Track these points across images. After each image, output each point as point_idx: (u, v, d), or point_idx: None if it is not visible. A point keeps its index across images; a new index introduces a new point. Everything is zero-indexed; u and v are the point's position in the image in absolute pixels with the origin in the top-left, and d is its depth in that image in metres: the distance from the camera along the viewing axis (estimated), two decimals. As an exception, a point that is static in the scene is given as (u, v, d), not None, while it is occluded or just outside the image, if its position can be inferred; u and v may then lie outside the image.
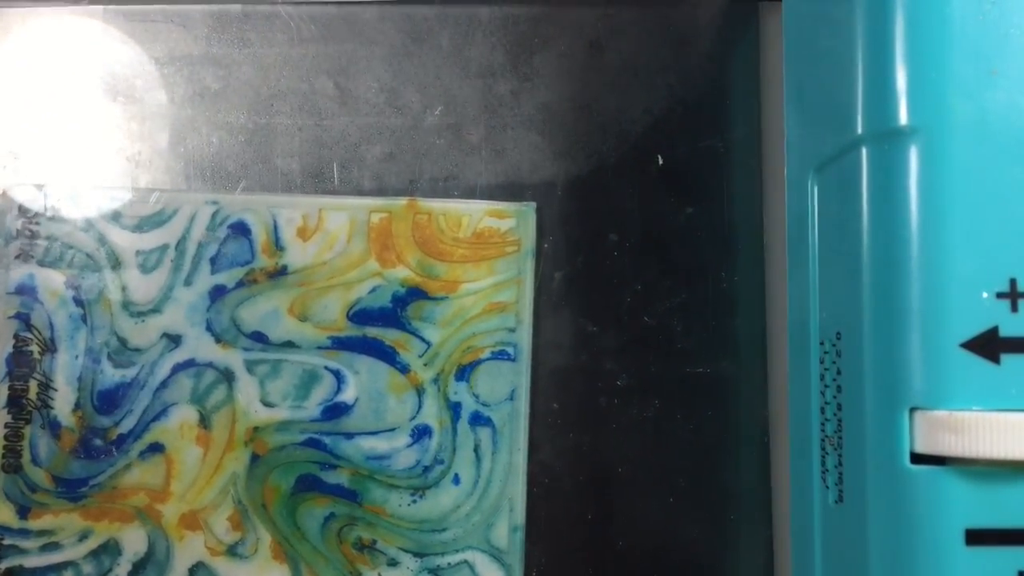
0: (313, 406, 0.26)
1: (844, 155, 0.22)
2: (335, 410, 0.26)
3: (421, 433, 0.26)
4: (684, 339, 0.27)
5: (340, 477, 0.26)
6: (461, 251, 0.27)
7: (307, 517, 0.26)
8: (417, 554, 0.26)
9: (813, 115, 0.24)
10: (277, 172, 0.27)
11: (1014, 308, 0.20)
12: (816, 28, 0.24)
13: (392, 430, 0.26)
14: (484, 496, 0.26)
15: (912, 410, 0.20)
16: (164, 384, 0.26)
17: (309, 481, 0.26)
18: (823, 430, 0.23)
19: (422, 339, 0.26)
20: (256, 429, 0.26)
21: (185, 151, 0.27)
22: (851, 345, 0.22)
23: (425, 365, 0.26)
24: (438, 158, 0.27)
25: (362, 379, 0.26)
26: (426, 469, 0.26)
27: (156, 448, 0.26)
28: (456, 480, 0.26)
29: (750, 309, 0.27)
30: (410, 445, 0.26)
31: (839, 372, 0.22)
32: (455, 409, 0.26)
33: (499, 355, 0.26)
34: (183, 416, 0.26)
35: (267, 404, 0.26)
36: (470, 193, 0.27)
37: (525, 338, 0.26)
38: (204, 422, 0.26)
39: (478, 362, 0.26)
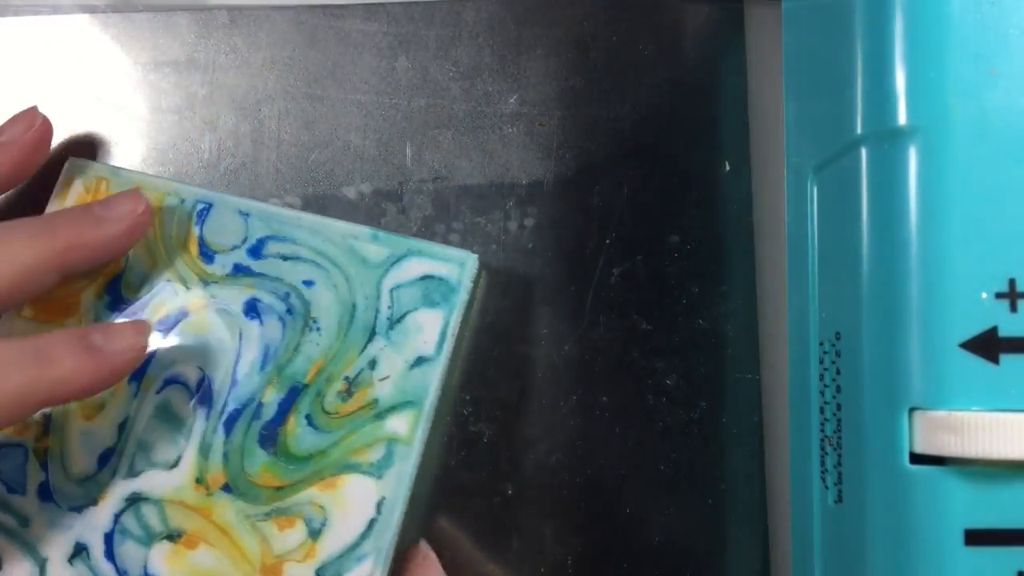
0: None
1: (844, 155, 0.22)
2: None
3: None
4: (677, 339, 0.27)
5: None
6: None
7: None
8: None
9: (813, 115, 0.24)
10: (262, 176, 0.27)
11: (1013, 308, 0.20)
12: (816, 28, 0.24)
13: None
14: None
15: (911, 410, 0.20)
16: None
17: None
18: (823, 430, 0.23)
19: None
20: None
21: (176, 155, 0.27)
22: (851, 345, 0.22)
23: None
24: (426, 160, 0.27)
25: None
26: None
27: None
28: None
29: (741, 311, 0.27)
30: None
31: (839, 372, 0.22)
32: None
33: None
34: None
35: None
36: (460, 193, 0.27)
37: None
38: None
39: None
